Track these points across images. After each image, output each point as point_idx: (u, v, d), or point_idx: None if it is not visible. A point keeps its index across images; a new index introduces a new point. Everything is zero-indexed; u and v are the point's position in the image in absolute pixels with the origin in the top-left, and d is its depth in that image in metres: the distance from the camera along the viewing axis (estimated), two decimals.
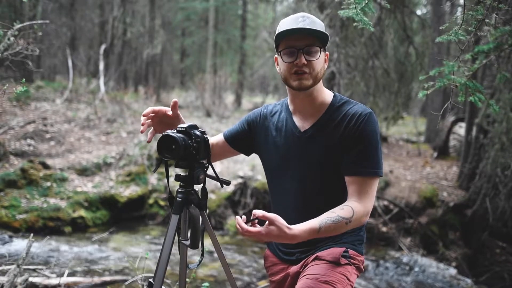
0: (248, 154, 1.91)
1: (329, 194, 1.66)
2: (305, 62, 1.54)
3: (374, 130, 1.57)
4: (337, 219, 1.47)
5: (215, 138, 1.92)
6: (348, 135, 1.57)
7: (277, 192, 1.78)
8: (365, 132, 1.55)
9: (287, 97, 1.77)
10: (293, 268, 1.73)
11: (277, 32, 1.58)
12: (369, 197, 1.54)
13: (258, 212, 1.37)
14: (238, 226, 1.38)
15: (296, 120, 1.70)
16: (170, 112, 1.72)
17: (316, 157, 1.63)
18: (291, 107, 1.74)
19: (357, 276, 1.66)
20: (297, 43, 1.55)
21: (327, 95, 1.68)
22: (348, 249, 1.65)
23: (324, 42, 1.58)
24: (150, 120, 1.70)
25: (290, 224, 1.71)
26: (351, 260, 1.63)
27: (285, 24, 1.58)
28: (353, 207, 1.51)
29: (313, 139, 1.64)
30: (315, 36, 1.55)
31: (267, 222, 1.38)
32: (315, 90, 1.63)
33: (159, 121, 1.74)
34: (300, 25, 1.54)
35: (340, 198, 1.65)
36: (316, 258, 1.64)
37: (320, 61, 1.59)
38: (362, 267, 1.69)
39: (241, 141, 1.86)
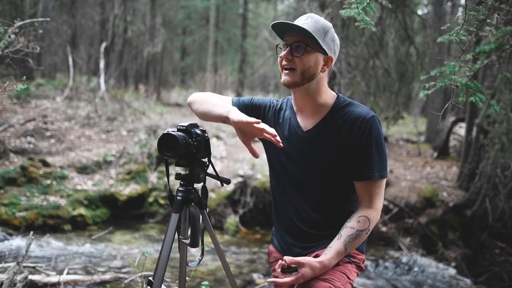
0: None
1: (330, 195, 1.66)
2: (289, 57, 1.56)
3: (378, 133, 1.59)
4: (358, 234, 1.57)
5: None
6: (353, 140, 1.57)
7: (278, 190, 1.78)
8: (371, 137, 1.57)
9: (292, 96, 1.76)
10: None
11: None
12: (379, 198, 1.63)
13: (288, 261, 1.52)
14: (276, 280, 1.55)
15: (299, 119, 1.70)
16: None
17: (318, 158, 1.63)
18: (294, 106, 1.73)
19: (357, 275, 1.68)
20: (290, 39, 1.58)
21: (330, 96, 1.67)
22: None
23: (317, 43, 1.55)
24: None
25: (291, 225, 1.75)
26: (352, 259, 1.64)
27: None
28: (368, 216, 1.59)
29: (315, 140, 1.64)
30: (305, 34, 1.53)
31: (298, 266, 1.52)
32: (314, 90, 1.62)
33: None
34: (297, 23, 1.57)
35: (342, 198, 1.66)
36: (317, 256, 1.63)
37: (309, 60, 1.55)
38: (362, 265, 1.70)
39: (249, 114, 1.64)
